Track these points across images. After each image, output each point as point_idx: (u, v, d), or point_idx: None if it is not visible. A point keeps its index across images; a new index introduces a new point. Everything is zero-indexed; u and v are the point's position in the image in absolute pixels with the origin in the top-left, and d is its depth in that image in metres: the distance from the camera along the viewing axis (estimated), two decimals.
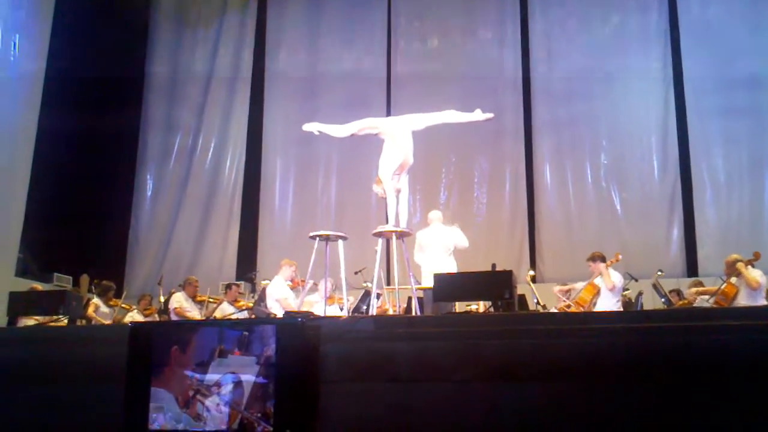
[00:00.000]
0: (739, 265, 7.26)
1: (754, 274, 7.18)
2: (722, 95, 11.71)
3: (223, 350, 4.88)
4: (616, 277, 7.67)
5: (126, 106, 13.73)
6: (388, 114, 12.36)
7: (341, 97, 13.19)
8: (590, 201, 12.28)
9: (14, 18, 11.62)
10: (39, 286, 9.44)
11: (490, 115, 6.94)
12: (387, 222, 6.71)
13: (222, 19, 14.32)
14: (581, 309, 7.55)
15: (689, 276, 10.98)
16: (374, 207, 12.17)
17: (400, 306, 7.07)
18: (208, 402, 4.80)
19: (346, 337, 4.83)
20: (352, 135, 7.10)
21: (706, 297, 7.72)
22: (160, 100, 14.27)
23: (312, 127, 7.13)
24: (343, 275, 6.75)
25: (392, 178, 6.69)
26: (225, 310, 9.09)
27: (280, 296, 7.68)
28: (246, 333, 5.02)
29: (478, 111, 6.95)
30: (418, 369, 4.67)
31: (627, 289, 8.72)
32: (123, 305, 9.52)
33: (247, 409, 4.71)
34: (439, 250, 7.36)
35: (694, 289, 8.16)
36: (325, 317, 5.85)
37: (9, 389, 5.37)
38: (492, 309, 5.71)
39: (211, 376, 4.82)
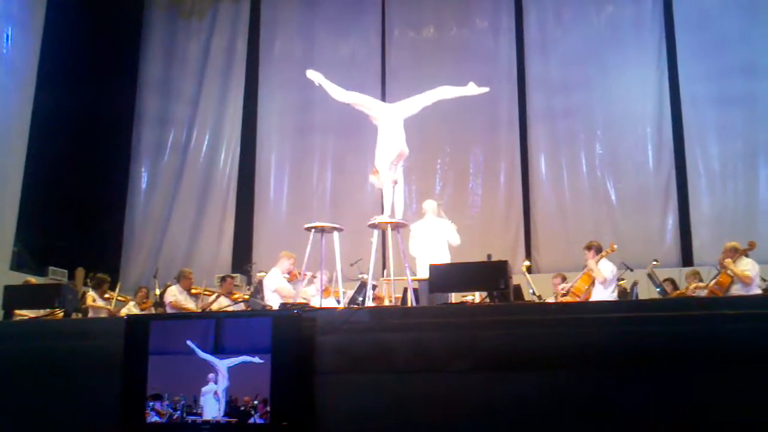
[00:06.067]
0: (727, 262, 7.24)
1: (744, 267, 7.16)
2: (717, 84, 11.69)
3: (219, 342, 4.90)
4: (607, 269, 7.59)
5: (120, 98, 13.69)
6: None
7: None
8: (585, 191, 12.27)
9: (7, 10, 11.55)
10: (33, 280, 9.42)
11: (485, 89, 6.95)
12: (383, 213, 6.71)
13: (216, 9, 14.25)
14: (577, 298, 7.56)
15: (684, 265, 10.99)
16: (370, 198, 12.14)
17: (395, 297, 7.08)
18: (204, 392, 4.82)
19: (342, 329, 4.85)
20: (348, 104, 7.15)
21: (702, 285, 7.72)
22: (153, 92, 14.19)
23: (315, 76, 7.18)
24: (338, 267, 6.75)
25: (389, 169, 6.67)
26: (221, 303, 9.08)
27: (277, 287, 7.67)
28: (242, 325, 5.05)
29: (471, 84, 7.00)
30: (413, 360, 4.68)
31: (622, 279, 8.73)
32: (119, 297, 9.52)
33: (243, 400, 4.73)
34: (434, 241, 7.35)
35: (693, 285, 8.07)
36: (321, 308, 5.86)
37: (5, 383, 5.38)
38: (488, 299, 5.71)
39: (207, 368, 4.84)
